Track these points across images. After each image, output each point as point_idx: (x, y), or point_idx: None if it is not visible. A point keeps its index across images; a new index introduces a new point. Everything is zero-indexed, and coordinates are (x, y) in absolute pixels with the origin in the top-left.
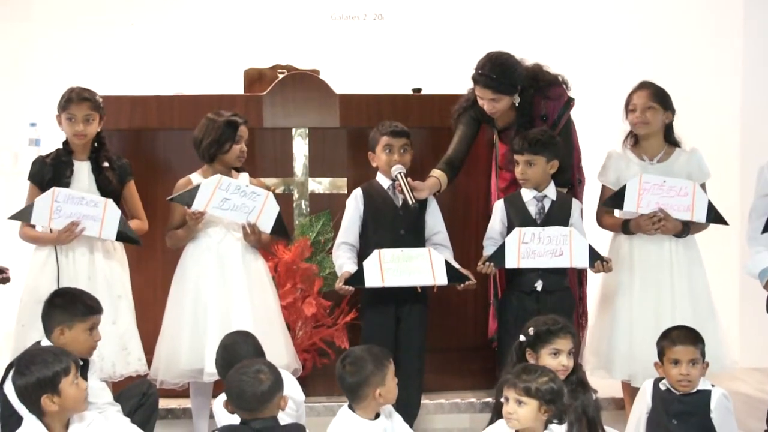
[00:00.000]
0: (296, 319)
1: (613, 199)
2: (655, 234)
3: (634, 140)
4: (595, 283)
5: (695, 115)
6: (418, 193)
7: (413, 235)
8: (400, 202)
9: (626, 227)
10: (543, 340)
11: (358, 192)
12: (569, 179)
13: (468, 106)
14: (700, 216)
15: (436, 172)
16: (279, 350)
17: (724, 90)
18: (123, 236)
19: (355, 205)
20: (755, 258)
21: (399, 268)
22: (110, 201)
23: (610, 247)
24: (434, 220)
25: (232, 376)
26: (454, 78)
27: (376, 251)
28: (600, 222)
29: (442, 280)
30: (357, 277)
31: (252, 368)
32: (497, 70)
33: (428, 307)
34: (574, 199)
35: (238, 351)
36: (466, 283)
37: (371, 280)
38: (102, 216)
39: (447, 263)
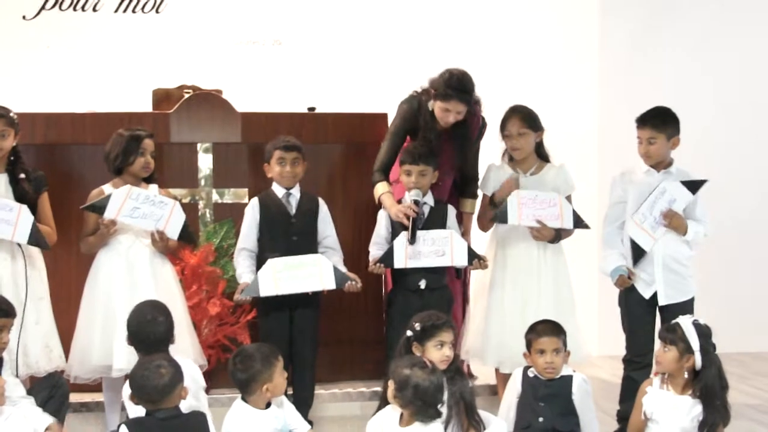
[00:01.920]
0: (202, 318)
1: (498, 214)
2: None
3: (510, 156)
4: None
5: (557, 131)
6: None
7: (306, 240)
8: (293, 210)
9: (493, 203)
10: (428, 334)
11: (254, 201)
12: (476, 188)
13: (410, 118)
14: (568, 223)
15: (385, 186)
16: (186, 347)
17: (582, 107)
18: (34, 240)
19: (252, 213)
20: (607, 259)
21: (291, 276)
22: (24, 207)
23: (487, 248)
24: (324, 226)
25: (135, 372)
26: (344, 98)
27: (269, 261)
28: (482, 226)
29: (330, 284)
30: (252, 287)
31: (153, 363)
32: (471, 86)
33: (320, 308)
34: (449, 205)
35: (156, 327)
36: (348, 284)
37: (266, 289)
38: (16, 220)
39: (335, 268)
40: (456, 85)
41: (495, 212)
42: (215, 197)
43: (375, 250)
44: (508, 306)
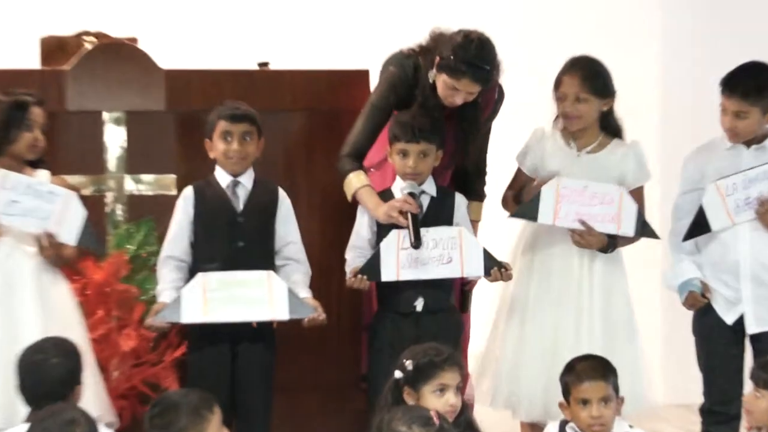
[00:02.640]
0: (110, 356)
1: (524, 207)
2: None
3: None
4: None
5: None
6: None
7: (257, 248)
8: (241, 205)
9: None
10: (425, 375)
11: (188, 192)
12: (483, 186)
13: (400, 88)
14: (627, 228)
15: (361, 177)
16: (86, 399)
17: (641, 68)
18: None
19: (183, 208)
20: (676, 268)
21: (228, 298)
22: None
23: (511, 252)
24: (285, 228)
25: (35, 429)
26: (307, 50)
27: (199, 276)
28: (506, 206)
29: (281, 314)
30: (172, 309)
31: (61, 418)
32: (492, 59)
33: (275, 340)
34: (457, 194)
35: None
36: (311, 316)
37: (190, 314)
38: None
39: (290, 291)
40: (472, 59)
41: (518, 206)
42: (129, 187)
43: (354, 258)
44: (537, 333)
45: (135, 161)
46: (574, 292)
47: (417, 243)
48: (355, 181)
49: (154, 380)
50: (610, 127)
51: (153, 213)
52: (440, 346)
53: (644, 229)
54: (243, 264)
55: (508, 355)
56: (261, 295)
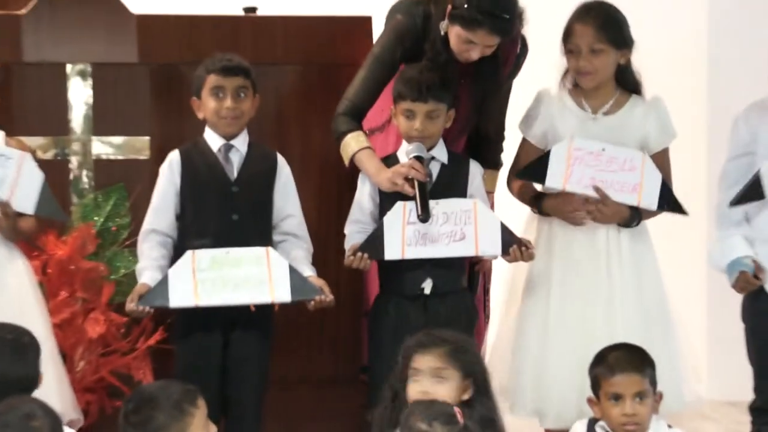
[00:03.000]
0: (75, 343)
1: (531, 168)
2: (583, 223)
3: (575, 81)
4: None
5: (648, 54)
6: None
7: (253, 222)
8: (235, 172)
9: (539, 203)
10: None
11: (174, 157)
12: (500, 153)
13: (408, 39)
14: (650, 200)
15: (360, 139)
16: (47, 392)
17: (688, 22)
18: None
19: (169, 175)
20: (725, 244)
21: (222, 279)
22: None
23: (525, 227)
24: (285, 199)
25: None
26: None
27: (188, 254)
28: (510, 186)
29: (283, 296)
30: (158, 292)
31: (19, 411)
32: (512, 7)
33: (271, 329)
34: (472, 161)
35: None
36: (317, 298)
37: (180, 298)
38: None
39: (292, 270)
40: (489, 7)
41: (524, 167)
42: (97, 150)
43: (353, 233)
44: (560, 320)
45: (103, 121)
46: (603, 271)
47: (425, 215)
48: (353, 143)
49: (126, 371)
50: (627, 83)
51: (124, 180)
52: (453, 333)
53: (669, 203)
54: (237, 240)
55: (529, 349)
56: (259, 275)
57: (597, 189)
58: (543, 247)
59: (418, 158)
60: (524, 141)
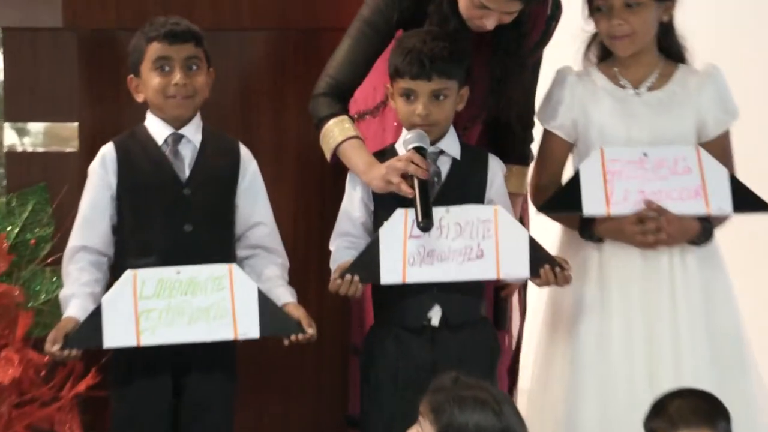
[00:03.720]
0: None
1: (560, 197)
2: (651, 248)
3: (603, 50)
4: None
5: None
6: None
7: (210, 234)
8: (187, 170)
9: (586, 228)
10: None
11: (108, 151)
12: (529, 144)
13: (400, 4)
14: (721, 203)
15: (345, 126)
16: None
17: None
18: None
19: (102, 175)
20: None
21: (172, 309)
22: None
23: (562, 245)
24: (251, 204)
25: None
26: None
27: (127, 275)
28: (537, 201)
29: (250, 330)
30: (88, 330)
31: None
32: None
33: (235, 370)
34: (492, 156)
35: None
36: (297, 337)
37: (116, 336)
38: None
39: (262, 296)
40: None
41: (550, 197)
42: (9, 140)
43: (341, 249)
44: (616, 357)
45: (16, 102)
46: (666, 302)
47: (426, 223)
48: (336, 131)
49: (47, 426)
50: (672, 48)
51: (45, 179)
52: (474, 381)
53: (747, 201)
54: (191, 257)
55: (587, 401)
56: (220, 303)
57: (650, 204)
58: (592, 268)
59: (419, 150)
60: (548, 134)
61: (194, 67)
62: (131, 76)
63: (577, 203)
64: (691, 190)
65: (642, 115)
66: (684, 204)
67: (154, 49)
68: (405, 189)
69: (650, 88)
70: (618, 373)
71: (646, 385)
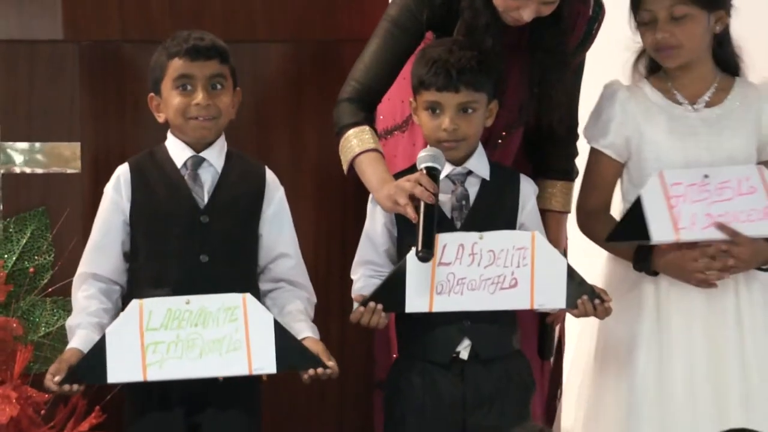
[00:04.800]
0: None
1: (625, 226)
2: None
3: (652, 62)
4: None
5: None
6: None
7: (229, 266)
8: (206, 196)
9: (643, 260)
10: None
11: (123, 173)
12: (574, 158)
13: (431, 2)
14: None
15: (365, 137)
16: None
17: None
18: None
19: (116, 199)
20: None
21: (181, 341)
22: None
23: (608, 274)
24: (276, 234)
25: None
26: None
27: (133, 305)
28: (588, 228)
29: (266, 364)
30: (91, 363)
31: None
32: None
33: (259, 410)
34: (523, 177)
35: None
36: (317, 371)
37: (121, 370)
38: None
39: (278, 327)
40: None
41: (613, 228)
42: (6, 160)
43: (364, 278)
44: (671, 401)
45: (14, 120)
46: (733, 340)
47: (426, 253)
48: (354, 142)
49: None
50: (729, 60)
51: (46, 202)
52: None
53: None
54: (207, 290)
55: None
56: (233, 336)
57: (721, 226)
58: (647, 300)
59: (431, 171)
60: (596, 154)
61: (219, 86)
62: (152, 94)
63: (644, 231)
64: (759, 210)
65: (700, 133)
66: (754, 226)
67: (176, 66)
68: (410, 213)
69: (708, 104)
70: (681, 418)
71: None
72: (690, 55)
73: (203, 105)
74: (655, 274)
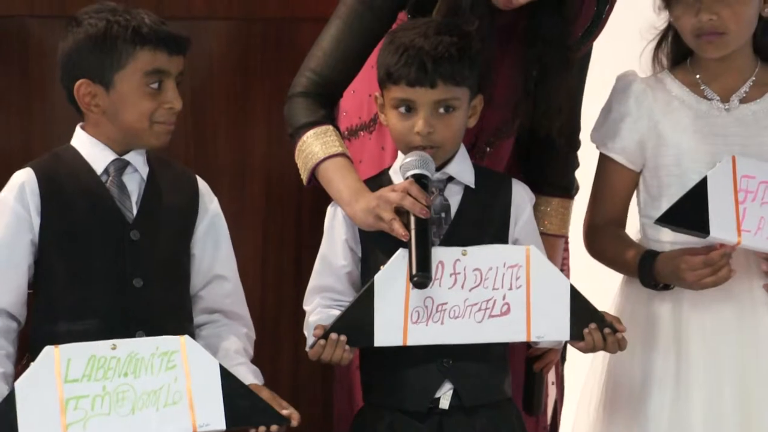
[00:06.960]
0: None
1: (681, 208)
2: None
3: (678, 51)
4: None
5: None
6: None
7: (165, 291)
8: (134, 207)
9: (646, 270)
10: None
11: (28, 179)
12: (574, 170)
13: None
14: None
15: (328, 139)
16: None
17: None
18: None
19: (20, 213)
20: None
21: (109, 396)
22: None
23: (622, 299)
24: (212, 252)
25: None
26: None
27: (47, 352)
28: (596, 247)
29: (214, 420)
30: None
31: None
32: None
33: None
34: (516, 182)
35: None
36: (270, 429)
37: None
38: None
39: (226, 375)
40: None
41: (668, 209)
42: None
43: (320, 309)
44: None
45: None
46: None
47: (422, 277)
48: (315, 146)
49: None
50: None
51: None
52: None
53: None
54: (143, 321)
55: None
56: (170, 386)
57: None
58: (666, 331)
59: (420, 179)
60: (605, 161)
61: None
62: (84, 80)
63: (703, 222)
64: None
65: (732, 134)
66: None
67: (148, 57)
68: (398, 229)
69: (742, 100)
70: None
71: None
72: (737, 43)
73: (177, 109)
74: (665, 288)
